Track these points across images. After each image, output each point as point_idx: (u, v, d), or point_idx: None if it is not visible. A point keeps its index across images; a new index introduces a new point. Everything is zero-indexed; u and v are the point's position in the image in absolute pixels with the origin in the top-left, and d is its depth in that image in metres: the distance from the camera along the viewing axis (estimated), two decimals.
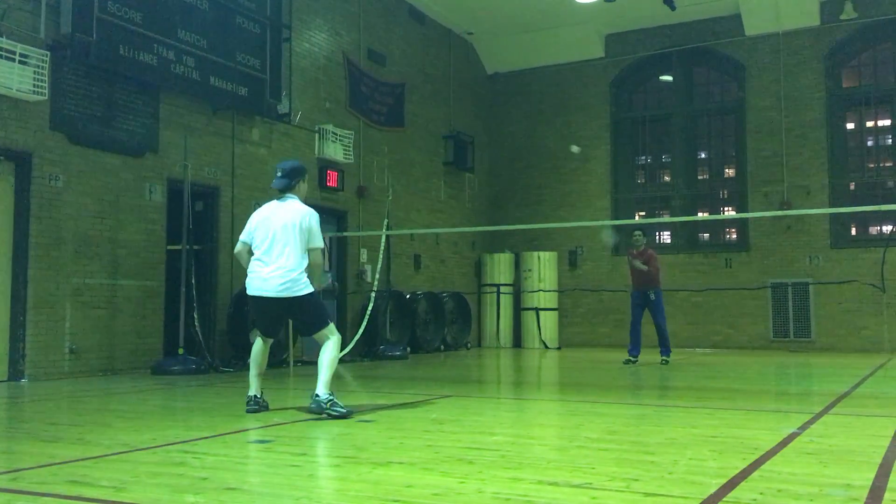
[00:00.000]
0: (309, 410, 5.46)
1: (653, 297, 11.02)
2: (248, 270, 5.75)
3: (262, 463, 3.99)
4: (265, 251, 5.61)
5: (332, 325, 5.72)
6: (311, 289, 5.61)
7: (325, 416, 5.37)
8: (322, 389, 5.43)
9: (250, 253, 5.75)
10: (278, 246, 5.58)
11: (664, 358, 11.01)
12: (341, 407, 5.43)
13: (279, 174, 5.84)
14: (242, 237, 5.80)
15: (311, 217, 5.67)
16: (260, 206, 6.11)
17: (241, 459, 4.00)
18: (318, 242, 5.67)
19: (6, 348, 8.38)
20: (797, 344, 14.67)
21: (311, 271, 5.71)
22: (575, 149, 11.22)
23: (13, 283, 8.46)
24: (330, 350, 5.59)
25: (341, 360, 11.12)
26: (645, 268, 11.04)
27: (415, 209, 14.93)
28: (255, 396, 5.79)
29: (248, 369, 9.99)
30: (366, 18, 13.90)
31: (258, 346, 5.89)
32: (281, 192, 5.80)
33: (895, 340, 13.81)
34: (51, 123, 8.74)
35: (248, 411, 5.74)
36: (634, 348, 11.14)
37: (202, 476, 3.56)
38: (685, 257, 15.84)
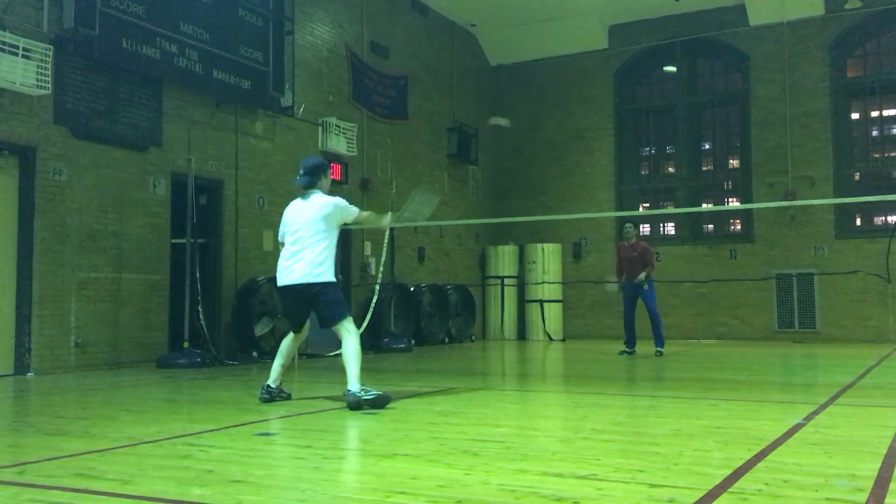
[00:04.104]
0: (348, 407, 5.47)
1: (645, 287, 10.96)
2: (278, 264, 5.92)
3: (267, 455, 4.00)
4: (292, 244, 5.82)
5: (349, 319, 5.78)
6: (332, 279, 5.78)
7: (366, 407, 5.41)
8: (354, 385, 5.50)
9: None
10: (303, 240, 5.77)
11: (658, 349, 10.97)
12: (374, 393, 5.52)
13: (301, 172, 6.00)
14: (280, 238, 6.04)
15: (328, 203, 5.83)
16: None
17: (247, 452, 4.00)
18: (351, 212, 5.92)
19: (12, 342, 8.41)
20: (802, 335, 14.65)
21: (371, 222, 6.18)
22: (501, 121, 10.90)
23: (18, 278, 8.48)
24: (350, 345, 5.65)
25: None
26: (644, 280, 10.89)
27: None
28: (269, 386, 5.90)
29: (252, 362, 10.05)
30: (368, 11, 13.86)
31: (287, 339, 6.05)
32: (305, 189, 5.96)
33: None
34: (54, 117, 8.74)
35: (260, 399, 5.86)
36: (630, 340, 11.15)
37: (208, 469, 3.56)
38: (690, 248, 15.82)
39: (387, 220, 6.60)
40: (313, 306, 5.86)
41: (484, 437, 4.39)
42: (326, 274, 5.73)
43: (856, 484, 3.18)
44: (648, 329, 11.18)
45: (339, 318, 5.73)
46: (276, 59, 11.43)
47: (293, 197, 12.76)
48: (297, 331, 6.03)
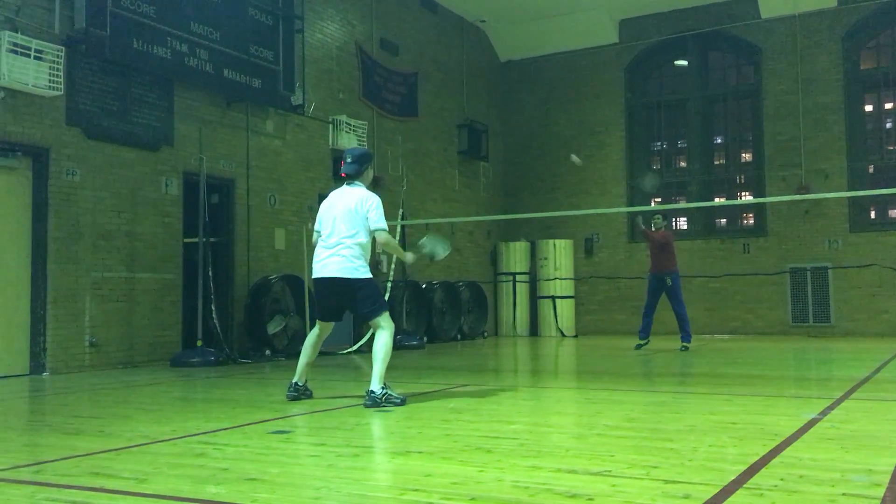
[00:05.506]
0: (364, 406, 5.45)
1: (670, 282, 10.90)
2: (314, 255, 5.85)
3: (281, 453, 4.01)
4: (328, 235, 5.74)
5: (386, 314, 5.75)
6: (369, 275, 5.72)
7: (383, 405, 5.40)
8: (376, 384, 5.48)
9: None
10: (339, 231, 5.70)
11: (684, 344, 10.93)
12: (396, 398, 5.51)
13: (349, 160, 5.90)
14: (315, 227, 5.95)
15: (367, 200, 5.73)
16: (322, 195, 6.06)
17: (261, 450, 4.02)
18: (380, 224, 5.73)
19: (27, 342, 8.47)
20: (817, 329, 14.56)
21: (390, 250, 5.90)
22: (575, 159, 11.04)
23: (33, 278, 8.54)
24: (382, 341, 5.63)
25: (359, 351, 11.17)
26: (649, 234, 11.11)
27: (430, 198, 14.91)
28: (296, 384, 5.90)
29: (266, 360, 10.08)
30: (378, 8, 13.86)
31: (313, 333, 6.00)
32: (350, 178, 5.86)
33: None
34: (67, 118, 8.79)
35: (287, 397, 5.88)
36: (644, 331, 11.09)
37: (223, 467, 3.58)
38: (702, 243, 15.75)
39: (409, 257, 6.39)
40: (348, 301, 5.81)
41: (497, 434, 4.39)
42: (363, 269, 5.68)
43: (872, 479, 3.16)
44: (672, 325, 11.14)
45: (377, 313, 5.71)
46: (287, 57, 11.45)
47: (304, 195, 12.83)
48: (325, 319, 5.93)
